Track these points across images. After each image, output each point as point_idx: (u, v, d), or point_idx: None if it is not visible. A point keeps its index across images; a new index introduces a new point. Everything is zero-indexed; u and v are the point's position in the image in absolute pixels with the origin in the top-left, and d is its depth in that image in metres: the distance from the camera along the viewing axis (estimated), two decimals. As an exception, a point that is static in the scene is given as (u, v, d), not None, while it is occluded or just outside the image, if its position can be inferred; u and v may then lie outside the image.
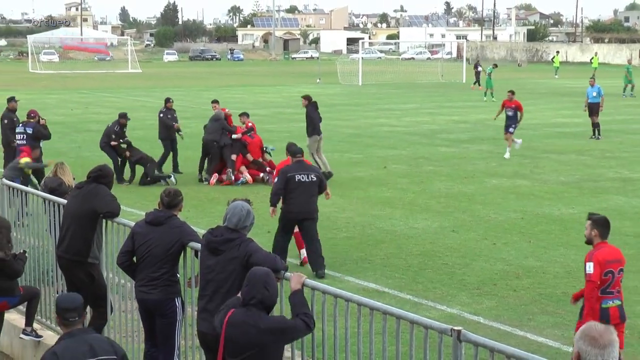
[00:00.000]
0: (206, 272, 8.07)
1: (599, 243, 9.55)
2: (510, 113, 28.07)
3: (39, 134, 21.71)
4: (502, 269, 15.08)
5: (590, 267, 9.38)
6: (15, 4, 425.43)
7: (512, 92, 28.63)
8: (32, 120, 22.04)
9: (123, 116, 24.22)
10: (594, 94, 34.02)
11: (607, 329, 4.77)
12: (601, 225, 9.58)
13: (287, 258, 14.61)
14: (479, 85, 57.33)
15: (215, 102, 25.93)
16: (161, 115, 25.72)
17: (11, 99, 24.17)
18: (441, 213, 19.67)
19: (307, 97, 24.67)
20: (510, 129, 27.97)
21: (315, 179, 14.89)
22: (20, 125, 22.03)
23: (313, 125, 24.37)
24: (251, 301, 6.94)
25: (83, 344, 6.49)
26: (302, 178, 14.79)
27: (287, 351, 7.41)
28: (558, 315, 12.50)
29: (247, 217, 8.12)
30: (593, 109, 33.83)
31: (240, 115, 24.90)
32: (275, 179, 15.29)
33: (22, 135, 21.61)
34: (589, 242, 9.66)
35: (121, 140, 23.84)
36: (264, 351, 6.89)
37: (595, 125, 33.60)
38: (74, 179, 13.34)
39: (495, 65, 57.79)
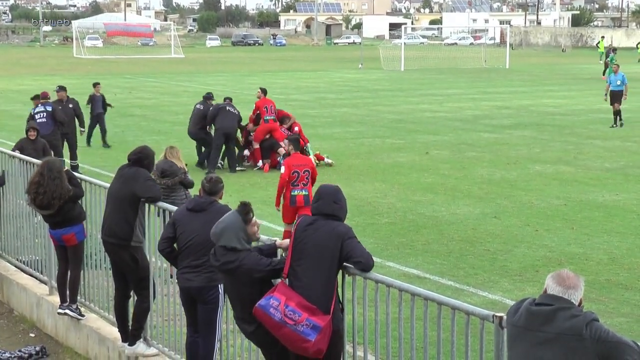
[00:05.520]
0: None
1: (292, 153, 14.67)
2: None
3: (56, 113, 21.18)
4: (545, 255, 15.00)
5: (282, 169, 14.60)
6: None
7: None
8: (49, 100, 21.67)
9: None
10: (618, 82, 33.36)
11: (576, 276, 5.47)
12: (293, 141, 15.02)
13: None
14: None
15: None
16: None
17: (61, 89, 22.78)
18: (483, 199, 19.59)
19: None
20: None
21: (237, 112, 22.91)
22: (40, 104, 21.34)
23: None
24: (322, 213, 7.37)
25: None
26: (230, 110, 22.78)
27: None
28: (601, 302, 12.41)
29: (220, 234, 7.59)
30: (616, 97, 33.19)
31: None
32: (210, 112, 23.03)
33: (42, 114, 20.91)
34: (288, 154, 15.17)
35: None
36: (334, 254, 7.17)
37: (617, 113, 32.84)
38: (186, 164, 14.16)
39: (614, 51, 54.35)
